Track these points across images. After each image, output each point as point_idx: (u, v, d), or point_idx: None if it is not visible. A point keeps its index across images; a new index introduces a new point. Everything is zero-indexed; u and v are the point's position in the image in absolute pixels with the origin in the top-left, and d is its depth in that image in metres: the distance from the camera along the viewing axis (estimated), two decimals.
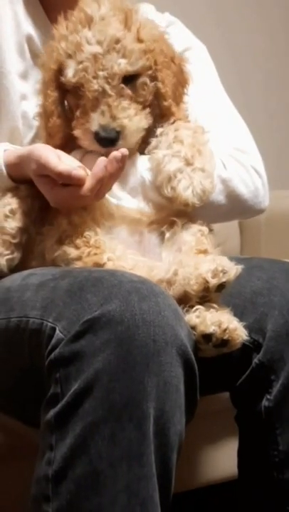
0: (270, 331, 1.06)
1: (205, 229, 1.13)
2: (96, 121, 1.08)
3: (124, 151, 1.05)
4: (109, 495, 0.86)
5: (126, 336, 0.88)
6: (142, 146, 1.15)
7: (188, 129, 1.14)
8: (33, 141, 1.25)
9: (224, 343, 0.99)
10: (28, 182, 1.13)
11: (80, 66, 1.08)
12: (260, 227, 2.01)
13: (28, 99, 1.26)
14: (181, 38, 1.34)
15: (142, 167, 1.14)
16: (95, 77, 1.08)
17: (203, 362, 0.97)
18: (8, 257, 1.12)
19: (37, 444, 0.93)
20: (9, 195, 1.14)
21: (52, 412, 0.90)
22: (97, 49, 1.08)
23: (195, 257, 1.07)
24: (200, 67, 1.32)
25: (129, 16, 1.11)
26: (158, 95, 1.15)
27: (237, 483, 1.14)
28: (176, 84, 1.17)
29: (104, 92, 1.08)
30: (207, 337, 0.98)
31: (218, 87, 1.38)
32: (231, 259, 1.06)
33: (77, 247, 1.07)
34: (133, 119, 1.10)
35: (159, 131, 1.14)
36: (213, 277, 0.99)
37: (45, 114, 1.15)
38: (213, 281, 0.99)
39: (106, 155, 1.06)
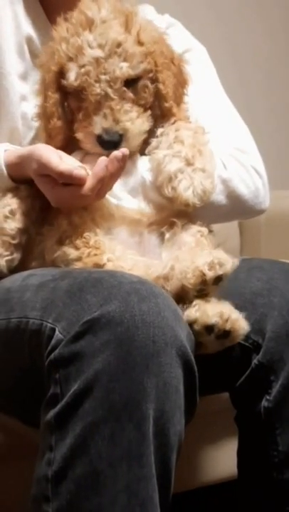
0: (270, 332, 1.06)
1: (205, 230, 1.13)
2: (99, 124, 1.09)
3: (124, 150, 1.05)
4: (109, 495, 0.86)
5: (125, 337, 0.88)
6: (143, 146, 1.15)
7: (188, 130, 1.14)
8: (32, 141, 1.25)
9: (226, 333, 0.98)
10: (28, 182, 1.13)
11: (83, 70, 1.09)
12: (260, 227, 2.01)
13: (27, 100, 1.26)
14: (181, 39, 1.34)
15: (143, 167, 1.15)
16: (97, 80, 1.08)
17: (203, 362, 0.97)
18: (7, 257, 1.12)
19: (37, 444, 0.94)
20: (9, 195, 1.14)
21: (52, 413, 0.90)
22: (98, 53, 1.08)
23: (191, 251, 1.07)
24: (200, 69, 1.32)
25: (130, 19, 1.12)
26: (159, 96, 1.15)
27: (237, 483, 1.14)
28: (176, 85, 1.17)
29: (106, 96, 1.09)
30: (209, 328, 0.98)
31: (218, 87, 1.39)
32: None
33: (77, 248, 1.07)
34: (135, 121, 1.10)
35: (159, 131, 1.14)
36: (209, 270, 0.99)
37: (45, 116, 1.15)
38: (210, 274, 0.99)
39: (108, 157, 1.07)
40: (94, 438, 0.86)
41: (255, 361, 1.06)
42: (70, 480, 0.87)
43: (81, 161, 1.11)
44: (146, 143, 1.15)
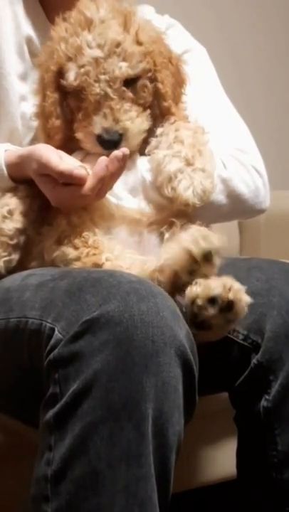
0: (269, 332, 1.06)
1: (204, 230, 1.13)
2: (99, 124, 1.09)
3: (125, 150, 1.05)
4: (108, 495, 0.86)
5: (125, 337, 0.88)
6: (142, 145, 1.15)
7: (188, 130, 1.14)
8: (32, 142, 1.25)
9: (230, 305, 0.97)
10: (28, 182, 1.13)
11: (82, 70, 1.09)
12: (260, 227, 2.01)
13: (27, 100, 1.26)
14: (180, 40, 1.34)
15: (143, 167, 1.15)
16: (97, 80, 1.09)
17: (202, 362, 0.97)
18: (5, 258, 1.12)
19: (37, 444, 0.94)
20: (8, 195, 1.14)
21: (51, 413, 0.90)
22: (98, 53, 1.08)
23: (176, 237, 1.07)
24: (200, 69, 1.32)
25: (128, 19, 1.12)
26: (158, 96, 1.15)
27: (236, 483, 1.14)
28: (175, 84, 1.18)
29: (106, 96, 1.09)
30: (212, 300, 0.98)
31: (217, 88, 1.39)
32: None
33: (75, 248, 1.07)
34: (135, 121, 1.11)
35: (159, 131, 1.14)
36: (195, 245, 0.98)
37: (43, 115, 1.15)
38: (196, 249, 0.98)
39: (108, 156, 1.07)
40: (93, 438, 0.86)
41: (254, 361, 1.07)
42: (69, 480, 0.87)
43: (82, 160, 1.12)
44: (145, 142, 1.15)
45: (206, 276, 0.99)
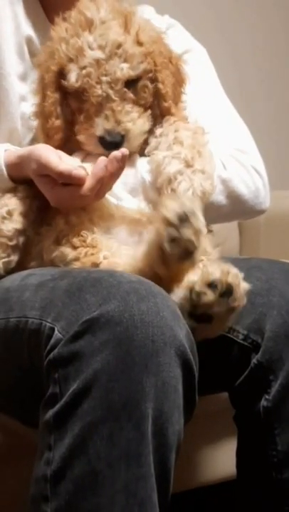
0: (269, 332, 1.06)
1: (204, 229, 1.13)
2: (101, 126, 1.09)
3: (124, 150, 1.05)
4: (108, 495, 0.86)
5: (125, 337, 0.88)
6: (142, 146, 1.15)
7: (188, 130, 1.14)
8: (31, 142, 1.25)
9: (229, 289, 0.97)
10: (28, 182, 1.13)
11: (84, 71, 1.09)
12: (260, 227, 2.01)
13: (27, 101, 1.26)
14: (180, 40, 1.34)
15: (142, 168, 1.15)
16: (98, 82, 1.09)
17: (202, 362, 0.97)
18: (4, 259, 1.12)
19: (37, 444, 0.94)
20: (7, 196, 1.14)
21: (51, 412, 0.90)
22: (99, 54, 1.08)
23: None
24: (200, 70, 1.33)
25: (129, 19, 1.12)
26: (158, 96, 1.16)
27: (236, 483, 1.14)
28: (175, 84, 1.18)
29: (107, 97, 1.09)
30: (211, 284, 0.97)
31: (217, 88, 1.39)
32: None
33: (74, 247, 1.07)
34: (136, 122, 1.11)
35: (158, 131, 1.14)
36: (166, 210, 0.97)
37: (43, 115, 1.15)
38: (169, 213, 0.96)
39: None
40: (93, 438, 0.86)
41: (254, 361, 1.07)
42: (69, 480, 0.87)
43: (82, 161, 1.12)
44: (145, 143, 1.15)
45: (191, 243, 0.97)
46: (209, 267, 0.98)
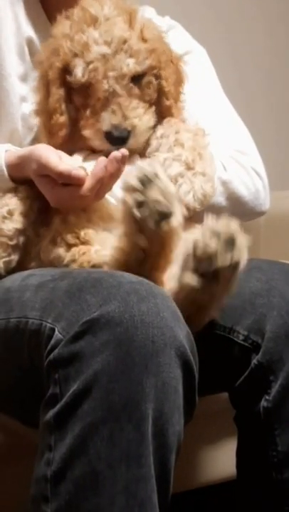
0: (269, 332, 1.06)
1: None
2: (108, 120, 1.09)
3: (124, 151, 1.05)
4: (108, 496, 0.86)
5: (125, 337, 0.88)
6: (144, 146, 1.15)
7: (188, 132, 1.14)
8: (32, 142, 1.25)
9: (232, 238, 0.96)
10: (28, 183, 1.13)
11: (91, 66, 1.09)
12: (260, 228, 2.01)
13: (27, 102, 1.26)
14: (181, 41, 1.35)
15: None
16: (105, 77, 1.09)
17: (202, 362, 0.97)
18: (5, 259, 1.12)
19: (37, 444, 0.94)
20: (8, 196, 1.14)
21: (51, 413, 0.90)
22: (105, 50, 1.08)
23: None
24: (200, 71, 1.33)
25: (133, 16, 1.13)
26: (160, 93, 1.16)
27: (236, 483, 1.14)
28: (175, 83, 1.18)
29: (114, 92, 1.09)
30: (215, 234, 0.96)
31: (217, 89, 1.39)
32: None
33: (68, 245, 1.07)
34: (142, 118, 1.11)
35: (159, 132, 1.14)
36: (130, 178, 0.96)
37: (46, 112, 1.15)
38: (131, 180, 0.95)
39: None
40: (93, 438, 0.86)
41: (254, 361, 1.07)
42: (69, 480, 0.87)
43: (83, 161, 1.12)
44: (146, 143, 1.15)
45: (159, 204, 0.95)
46: (210, 222, 0.97)
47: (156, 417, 0.89)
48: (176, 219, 0.96)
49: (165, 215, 0.95)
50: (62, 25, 1.14)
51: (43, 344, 0.94)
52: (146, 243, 0.97)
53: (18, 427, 1.15)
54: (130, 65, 1.10)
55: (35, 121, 1.20)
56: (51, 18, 1.30)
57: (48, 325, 0.94)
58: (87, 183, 1.05)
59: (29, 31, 1.29)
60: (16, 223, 1.13)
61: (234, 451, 1.14)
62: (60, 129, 1.14)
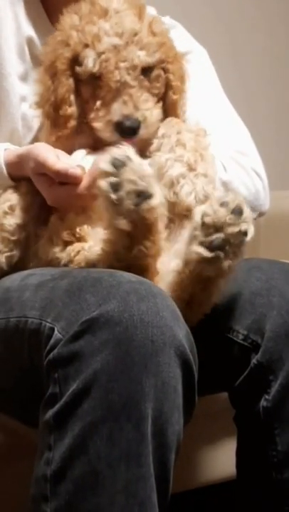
0: (269, 332, 1.06)
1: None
2: (119, 110, 1.09)
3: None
4: (108, 495, 0.86)
5: (124, 337, 0.88)
6: (144, 146, 1.15)
7: (190, 132, 1.14)
8: (32, 142, 1.25)
9: (239, 207, 0.96)
10: (27, 181, 1.13)
11: (103, 56, 1.09)
12: (260, 228, 2.01)
13: (27, 101, 1.26)
14: (181, 41, 1.34)
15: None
16: (117, 68, 1.08)
17: (202, 362, 0.97)
18: (7, 254, 1.12)
19: (37, 444, 0.94)
20: (9, 191, 1.15)
21: (50, 412, 0.90)
22: (117, 41, 1.08)
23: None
24: (200, 71, 1.33)
25: (142, 10, 1.13)
26: (167, 88, 1.16)
27: (236, 483, 1.14)
28: (181, 79, 1.18)
29: (125, 83, 1.09)
30: (223, 204, 0.97)
31: (218, 90, 1.39)
32: None
33: (64, 244, 1.07)
34: (153, 111, 1.11)
35: (160, 132, 1.14)
36: (102, 164, 0.95)
37: (53, 104, 1.13)
38: (103, 165, 0.95)
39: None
40: (93, 438, 0.86)
41: (254, 361, 1.07)
42: (69, 480, 0.87)
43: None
44: (147, 143, 1.15)
45: (134, 183, 0.94)
46: (217, 193, 0.98)
47: (156, 416, 0.89)
48: (156, 199, 0.95)
49: (143, 195, 0.95)
50: (71, 18, 1.13)
51: (42, 343, 0.94)
52: (129, 226, 0.96)
53: (18, 426, 1.15)
54: (141, 57, 1.10)
55: (36, 112, 1.20)
56: (51, 18, 1.30)
57: (48, 324, 0.94)
58: (84, 182, 1.05)
59: (29, 31, 1.29)
60: (17, 219, 1.13)
61: (234, 451, 1.14)
62: (68, 120, 1.13)
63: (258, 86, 2.52)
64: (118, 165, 0.94)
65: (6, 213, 1.13)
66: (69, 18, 1.13)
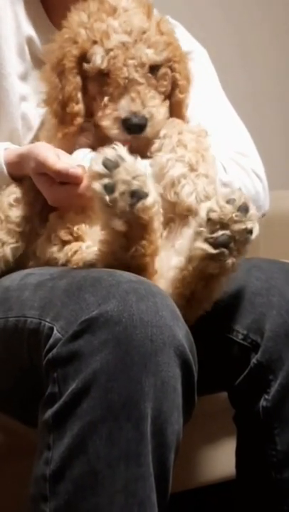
0: (269, 331, 1.06)
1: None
2: (126, 107, 1.09)
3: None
4: (107, 495, 0.86)
5: (124, 336, 0.88)
6: (145, 147, 1.15)
7: (191, 133, 1.14)
8: (32, 142, 1.25)
9: (245, 205, 0.96)
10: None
11: (112, 53, 1.09)
12: (260, 227, 2.01)
13: (27, 101, 1.26)
14: (182, 41, 1.34)
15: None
16: (125, 65, 1.08)
17: (201, 362, 0.97)
18: (12, 245, 1.13)
19: (37, 443, 0.94)
20: (14, 184, 1.15)
21: (50, 412, 0.90)
22: (126, 38, 1.08)
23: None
24: (200, 71, 1.32)
25: (150, 9, 1.14)
26: (173, 87, 1.16)
27: (235, 483, 1.14)
28: (186, 79, 1.18)
29: (133, 80, 1.09)
30: (230, 201, 0.96)
31: (218, 90, 1.39)
32: None
33: (62, 243, 1.07)
34: (159, 108, 1.11)
35: (162, 132, 1.14)
36: (94, 165, 0.95)
37: (61, 101, 1.13)
38: (95, 166, 0.94)
39: (130, 144, 1.06)
40: (92, 437, 0.86)
41: (253, 360, 1.07)
42: (68, 480, 0.87)
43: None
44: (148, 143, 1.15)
45: (129, 183, 0.93)
46: (222, 190, 0.98)
47: (155, 416, 0.89)
48: (151, 198, 0.95)
49: (137, 195, 0.94)
50: (78, 16, 1.13)
51: (41, 343, 0.94)
52: (125, 227, 0.95)
53: (18, 426, 1.15)
54: (149, 55, 1.10)
55: (42, 111, 1.20)
56: (51, 17, 1.31)
57: (47, 324, 0.94)
58: (85, 182, 1.04)
59: (29, 30, 1.29)
60: (22, 211, 1.13)
61: (233, 451, 1.14)
62: (74, 117, 1.13)
63: (262, 86, 2.52)
64: (111, 166, 0.93)
65: (11, 205, 1.13)
66: (77, 16, 1.14)
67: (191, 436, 1.05)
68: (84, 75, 1.13)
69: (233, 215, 0.96)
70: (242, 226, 0.96)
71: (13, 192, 1.14)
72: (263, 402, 1.06)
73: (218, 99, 1.38)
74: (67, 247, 1.06)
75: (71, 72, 1.12)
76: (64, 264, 1.06)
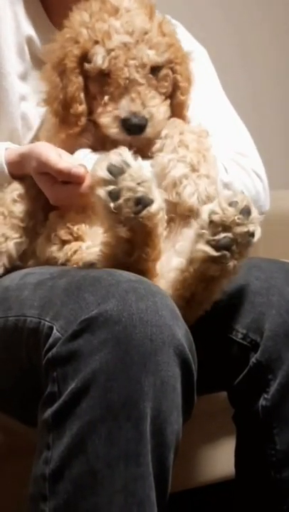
0: (268, 331, 1.06)
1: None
2: (126, 107, 1.09)
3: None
4: (106, 494, 0.86)
5: (123, 336, 0.88)
6: (146, 147, 1.15)
7: (193, 133, 1.14)
8: (32, 142, 1.25)
9: (247, 208, 0.96)
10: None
11: (113, 53, 1.09)
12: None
13: (27, 101, 1.26)
14: (182, 41, 1.34)
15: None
16: (126, 65, 1.09)
17: (201, 361, 0.97)
18: (16, 240, 1.13)
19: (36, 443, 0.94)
20: (17, 181, 1.15)
21: (49, 411, 0.90)
22: (127, 39, 1.09)
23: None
24: (200, 71, 1.32)
25: (153, 10, 1.14)
26: (174, 88, 1.16)
27: (234, 482, 1.14)
28: (188, 80, 1.18)
29: (134, 81, 1.09)
30: (232, 203, 0.96)
31: (218, 90, 1.39)
32: None
33: (62, 243, 1.07)
34: (160, 109, 1.11)
35: (163, 133, 1.14)
36: (99, 171, 0.94)
37: (62, 101, 1.13)
38: (100, 172, 0.93)
39: (130, 144, 1.05)
40: (91, 437, 0.86)
41: (253, 360, 1.07)
42: (67, 479, 0.87)
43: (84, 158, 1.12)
44: (149, 143, 1.15)
45: (133, 190, 0.93)
46: (225, 192, 0.98)
47: (155, 415, 0.89)
48: (156, 205, 0.94)
49: (142, 202, 0.94)
50: (80, 16, 1.13)
51: (41, 342, 0.94)
52: (129, 234, 0.95)
53: (18, 426, 1.15)
54: (150, 56, 1.10)
55: (42, 110, 1.19)
56: (51, 17, 1.31)
57: (47, 323, 0.94)
58: (87, 181, 1.05)
59: (29, 30, 1.29)
60: (26, 206, 1.13)
61: (233, 451, 1.14)
62: (79, 118, 1.13)
63: (262, 86, 2.52)
64: (116, 172, 0.93)
65: (15, 201, 1.13)
66: (78, 16, 1.14)
67: (190, 435, 1.05)
68: (85, 75, 1.13)
69: (236, 217, 0.95)
70: (244, 229, 0.96)
71: (16, 188, 1.14)
72: (262, 402, 1.06)
73: (219, 99, 1.39)
74: (66, 247, 1.06)
75: (73, 72, 1.12)
76: (63, 264, 1.06)
